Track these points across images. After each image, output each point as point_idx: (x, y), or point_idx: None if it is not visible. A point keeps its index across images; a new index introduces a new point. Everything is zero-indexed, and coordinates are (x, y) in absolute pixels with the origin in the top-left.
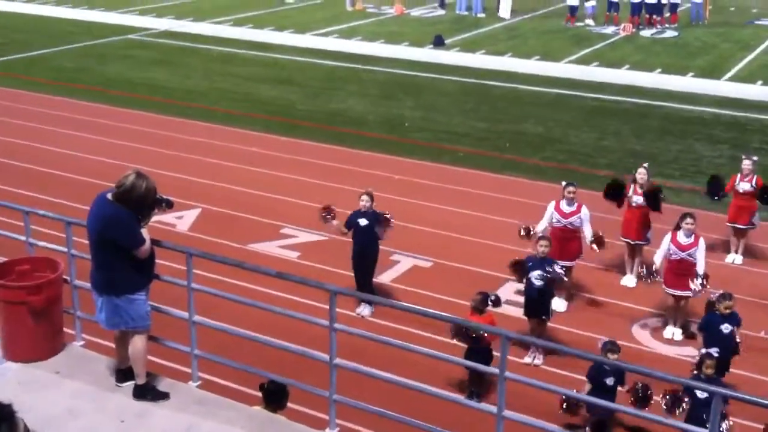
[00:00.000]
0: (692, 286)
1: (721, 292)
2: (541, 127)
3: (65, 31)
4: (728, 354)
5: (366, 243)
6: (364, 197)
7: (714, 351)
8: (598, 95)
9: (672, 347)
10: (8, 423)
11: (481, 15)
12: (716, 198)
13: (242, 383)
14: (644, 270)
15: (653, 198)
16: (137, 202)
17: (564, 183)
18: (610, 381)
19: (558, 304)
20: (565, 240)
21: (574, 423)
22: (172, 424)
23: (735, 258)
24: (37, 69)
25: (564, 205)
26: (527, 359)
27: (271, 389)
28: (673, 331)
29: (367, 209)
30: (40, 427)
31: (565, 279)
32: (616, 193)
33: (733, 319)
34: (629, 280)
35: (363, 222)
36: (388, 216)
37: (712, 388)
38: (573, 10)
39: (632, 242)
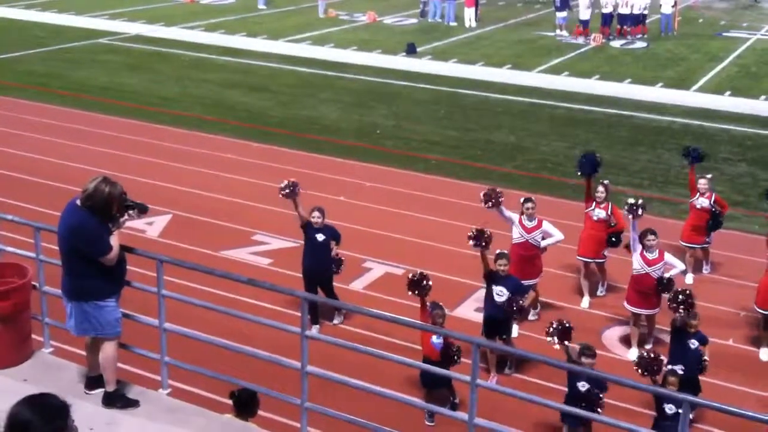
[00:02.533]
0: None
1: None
2: (512, 135)
3: (35, 34)
4: (696, 372)
5: (322, 258)
6: (316, 213)
7: (679, 368)
8: (568, 105)
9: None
10: (62, 421)
11: (453, 24)
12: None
13: (213, 391)
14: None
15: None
16: (101, 207)
17: (522, 199)
18: (582, 386)
19: (531, 313)
20: (527, 258)
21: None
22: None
23: (694, 275)
24: (5, 72)
25: (525, 221)
26: (492, 381)
27: (241, 397)
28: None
29: (320, 225)
30: None
31: (524, 305)
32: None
33: (700, 337)
34: (586, 302)
35: (320, 237)
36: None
37: (682, 395)
38: (585, 23)
39: (589, 260)
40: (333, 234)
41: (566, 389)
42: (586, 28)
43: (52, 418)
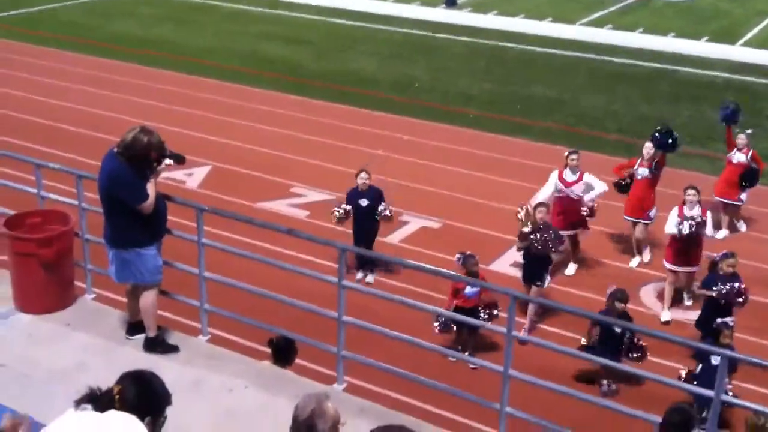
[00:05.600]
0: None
1: (724, 251)
2: (551, 90)
3: None
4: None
5: (368, 224)
6: (363, 175)
7: (730, 320)
8: (610, 58)
9: (679, 311)
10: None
11: None
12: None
13: (251, 339)
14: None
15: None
16: (139, 157)
17: (567, 152)
18: (618, 328)
19: (569, 268)
20: (568, 210)
21: (587, 373)
22: (181, 377)
23: (725, 233)
24: (45, 24)
25: (567, 174)
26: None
27: (279, 345)
28: (670, 314)
29: (365, 188)
30: (49, 380)
31: (561, 251)
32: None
33: (736, 280)
34: (635, 262)
35: (364, 203)
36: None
37: (721, 350)
38: None
39: (633, 220)
40: (377, 196)
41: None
42: None
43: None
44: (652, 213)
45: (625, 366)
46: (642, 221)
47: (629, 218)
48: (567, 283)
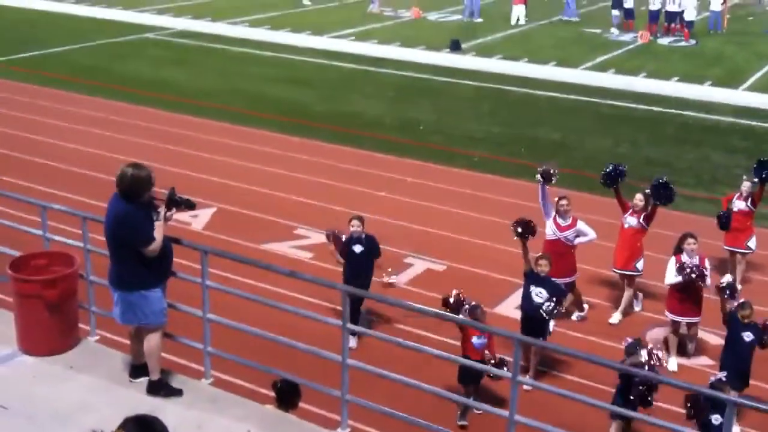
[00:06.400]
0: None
1: (741, 300)
2: (556, 133)
3: (83, 28)
4: (746, 365)
5: (361, 270)
6: (355, 222)
7: (722, 376)
8: (614, 102)
9: (684, 358)
10: None
11: (479, 20)
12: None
13: (254, 382)
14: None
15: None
16: (130, 192)
17: (557, 197)
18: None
19: (574, 314)
20: (560, 256)
21: None
22: (184, 420)
23: (729, 278)
24: (54, 66)
25: (559, 219)
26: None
27: (283, 388)
28: (677, 361)
29: (360, 234)
30: (53, 421)
31: (562, 310)
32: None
33: (756, 331)
34: (615, 317)
35: (358, 249)
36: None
37: (728, 397)
38: (690, 24)
39: (618, 272)
40: (371, 246)
41: (608, 387)
42: (691, 29)
43: None
44: (640, 264)
45: (641, 415)
46: (629, 273)
47: (617, 270)
48: (570, 327)
